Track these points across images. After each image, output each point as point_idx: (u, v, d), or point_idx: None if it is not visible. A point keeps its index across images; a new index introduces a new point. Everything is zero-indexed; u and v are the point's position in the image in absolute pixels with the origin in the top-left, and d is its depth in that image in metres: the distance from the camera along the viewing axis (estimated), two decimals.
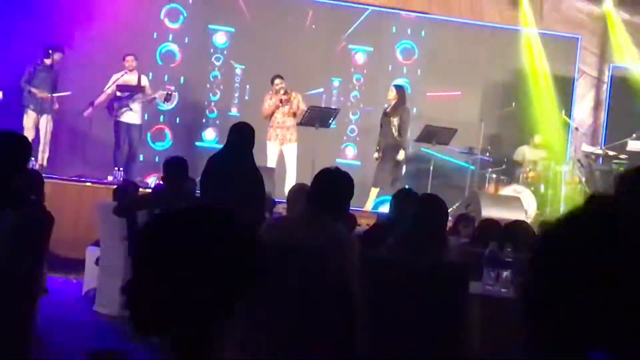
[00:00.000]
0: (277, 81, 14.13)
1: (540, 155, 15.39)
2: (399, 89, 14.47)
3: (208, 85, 15.83)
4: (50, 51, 14.06)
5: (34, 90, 13.89)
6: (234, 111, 15.77)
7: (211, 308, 1.97)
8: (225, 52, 15.86)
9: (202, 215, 2.03)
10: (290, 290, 5.30)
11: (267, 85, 14.26)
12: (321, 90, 15.91)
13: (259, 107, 14.21)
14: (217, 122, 15.67)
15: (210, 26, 15.83)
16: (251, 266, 2.03)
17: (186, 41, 15.69)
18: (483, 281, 5.89)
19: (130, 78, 14.39)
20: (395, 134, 14.18)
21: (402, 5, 16.36)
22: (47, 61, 14.10)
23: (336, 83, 16.19)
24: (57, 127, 14.46)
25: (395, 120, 14.19)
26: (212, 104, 15.84)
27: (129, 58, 14.41)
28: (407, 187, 11.27)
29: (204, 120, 15.83)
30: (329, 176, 5.71)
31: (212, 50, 15.82)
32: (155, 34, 15.62)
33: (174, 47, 15.66)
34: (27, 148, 5.14)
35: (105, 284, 9.38)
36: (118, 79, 14.29)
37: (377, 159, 14.36)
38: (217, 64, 15.83)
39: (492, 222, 8.08)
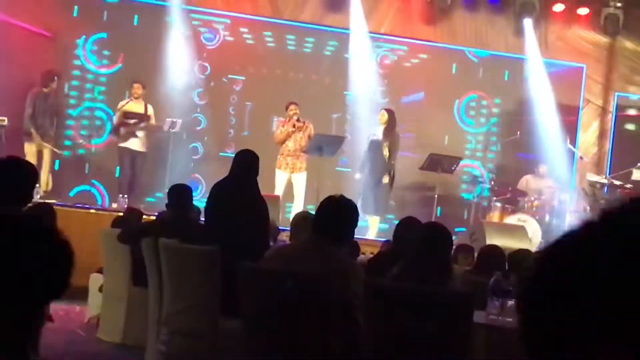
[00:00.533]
0: (292, 107, 14.16)
1: (545, 184, 15.39)
2: (390, 112, 14.47)
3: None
4: (49, 79, 14.09)
5: (34, 133, 13.89)
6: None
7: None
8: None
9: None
10: (294, 316, 5.29)
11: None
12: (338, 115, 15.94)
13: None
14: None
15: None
16: (55, 272, 2.01)
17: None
18: (487, 310, 5.86)
19: (137, 106, 14.42)
20: (386, 157, 14.18)
21: (407, 33, 16.38)
22: (46, 89, 14.10)
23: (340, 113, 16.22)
24: (59, 153, 14.50)
25: (386, 144, 14.20)
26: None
27: (136, 85, 14.43)
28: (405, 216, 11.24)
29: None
30: (333, 204, 5.70)
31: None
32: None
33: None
34: (34, 176, 5.13)
35: (108, 312, 9.35)
36: (123, 105, 14.33)
37: (356, 178, 14.36)
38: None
39: (495, 251, 8.05)
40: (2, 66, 14.25)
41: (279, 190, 13.90)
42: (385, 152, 14.19)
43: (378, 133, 14.39)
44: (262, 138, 14.59)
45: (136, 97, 14.42)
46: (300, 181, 14.20)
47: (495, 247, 7.93)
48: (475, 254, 8.91)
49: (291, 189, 14.19)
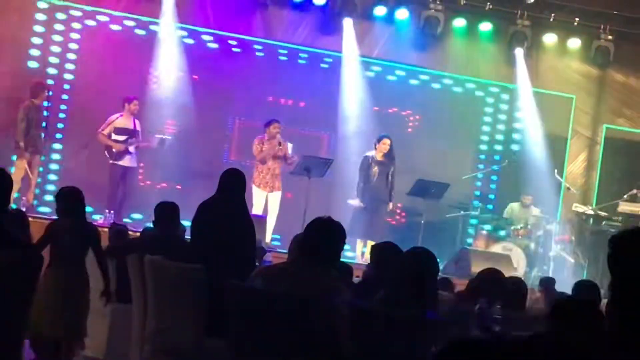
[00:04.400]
0: (275, 125, 14.14)
1: (531, 214, 15.42)
2: (391, 140, 14.47)
3: None
4: (38, 90, 14.04)
5: (22, 146, 13.83)
6: None
7: None
8: None
9: None
10: (277, 337, 5.28)
11: None
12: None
13: None
14: None
15: None
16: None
17: None
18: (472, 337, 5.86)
19: (127, 122, 14.37)
20: (389, 184, 14.24)
21: (398, 59, 16.44)
22: (36, 101, 14.03)
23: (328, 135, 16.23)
24: (46, 166, 14.47)
25: (390, 171, 14.26)
26: None
27: (136, 102, 14.42)
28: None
29: None
30: (321, 225, 5.70)
31: None
32: None
33: None
34: (10, 183, 5.03)
35: (92, 327, 9.29)
36: (113, 121, 14.28)
37: (357, 205, 14.32)
38: None
39: (489, 276, 7.72)
40: None
41: (257, 209, 13.88)
42: (389, 179, 14.25)
43: (377, 159, 14.36)
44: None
45: (133, 113, 14.39)
46: (276, 201, 14.25)
47: (491, 272, 7.59)
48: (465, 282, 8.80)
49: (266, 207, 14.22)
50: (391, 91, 16.42)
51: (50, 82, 14.64)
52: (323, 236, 5.62)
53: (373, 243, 14.04)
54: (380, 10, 16.13)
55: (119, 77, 15.10)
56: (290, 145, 14.19)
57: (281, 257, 10.55)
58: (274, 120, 14.26)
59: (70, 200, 8.27)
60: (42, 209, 14.31)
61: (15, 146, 13.87)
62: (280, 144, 14.13)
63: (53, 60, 15.16)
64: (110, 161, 14.27)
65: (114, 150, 14.23)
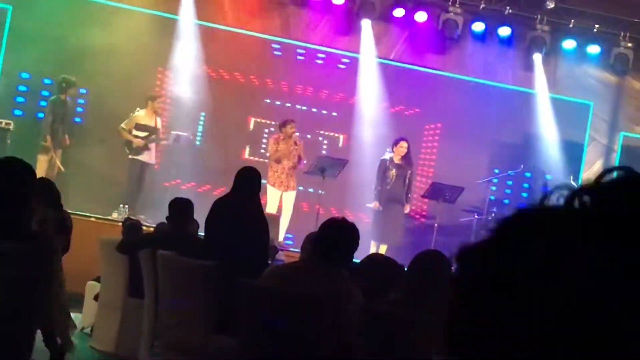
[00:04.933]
0: (291, 124, 14.15)
1: None
2: (408, 142, 14.46)
3: None
4: (64, 85, 14.12)
5: (48, 139, 13.92)
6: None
7: None
8: None
9: None
10: (287, 336, 5.28)
11: None
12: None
13: None
14: None
15: None
16: None
17: None
18: None
19: (149, 119, 14.48)
20: (406, 187, 14.25)
21: (416, 61, 16.42)
22: (62, 96, 14.13)
23: (345, 135, 16.22)
24: (65, 160, 14.50)
25: (408, 174, 14.26)
26: None
27: (160, 100, 14.58)
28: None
29: None
30: (335, 226, 5.70)
31: None
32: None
33: None
34: (34, 176, 5.07)
35: (102, 321, 9.33)
36: (136, 115, 14.41)
37: (375, 208, 14.31)
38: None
39: None
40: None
41: (272, 207, 13.89)
42: (407, 182, 14.25)
43: (395, 162, 14.36)
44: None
45: (156, 111, 14.49)
46: (291, 200, 14.24)
47: None
48: None
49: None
50: (408, 93, 16.38)
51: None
52: (337, 236, 5.61)
53: (383, 245, 14.21)
54: (398, 12, 16.11)
55: (138, 72, 15.14)
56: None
57: (294, 256, 10.55)
58: (289, 120, 14.27)
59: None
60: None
61: (40, 140, 13.99)
62: (296, 143, 14.15)
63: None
64: (130, 156, 14.36)
65: (133, 145, 14.32)
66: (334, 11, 16.08)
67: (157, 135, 14.51)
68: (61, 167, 14.07)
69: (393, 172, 14.28)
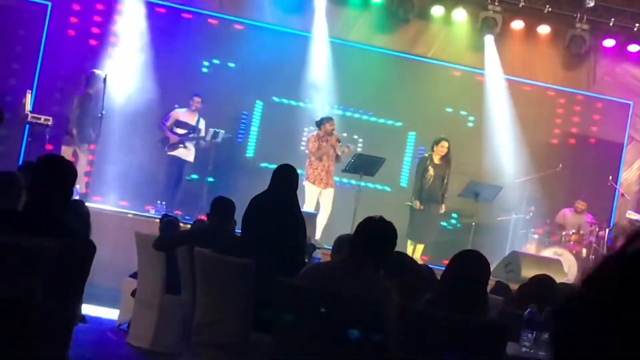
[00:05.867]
0: (330, 121, 14.15)
1: (583, 220, 15.28)
2: (449, 142, 14.40)
3: None
4: (92, 80, 14.17)
5: (75, 135, 13.99)
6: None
7: None
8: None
9: None
10: (324, 335, 5.26)
11: None
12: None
13: None
14: None
15: None
16: None
17: None
18: (520, 342, 5.80)
19: (190, 117, 14.57)
20: (444, 186, 14.22)
21: (454, 59, 16.36)
22: (90, 91, 14.16)
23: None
24: (99, 155, 14.58)
25: (446, 174, 14.22)
26: None
27: (197, 99, 14.59)
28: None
29: None
30: (372, 225, 5.67)
31: None
32: None
33: None
34: (74, 175, 5.10)
35: (139, 317, 9.34)
36: (178, 111, 14.52)
37: (416, 208, 14.25)
38: None
39: (541, 282, 7.64)
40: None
41: (310, 205, 13.87)
42: (445, 182, 14.21)
43: (434, 162, 14.30)
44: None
45: (194, 109, 14.56)
46: (329, 197, 14.21)
47: (543, 279, 7.57)
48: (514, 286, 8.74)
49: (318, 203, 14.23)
50: (447, 91, 16.31)
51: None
52: (374, 236, 5.59)
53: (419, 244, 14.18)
54: (437, 10, 16.05)
55: (174, 67, 15.24)
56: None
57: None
58: (328, 118, 14.28)
59: None
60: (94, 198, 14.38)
61: (66, 133, 14.05)
62: (339, 140, 14.15)
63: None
64: (167, 152, 14.46)
65: (170, 141, 14.43)
66: (373, 9, 16.05)
67: (197, 134, 14.57)
68: (87, 161, 14.14)
69: (432, 171, 14.23)
